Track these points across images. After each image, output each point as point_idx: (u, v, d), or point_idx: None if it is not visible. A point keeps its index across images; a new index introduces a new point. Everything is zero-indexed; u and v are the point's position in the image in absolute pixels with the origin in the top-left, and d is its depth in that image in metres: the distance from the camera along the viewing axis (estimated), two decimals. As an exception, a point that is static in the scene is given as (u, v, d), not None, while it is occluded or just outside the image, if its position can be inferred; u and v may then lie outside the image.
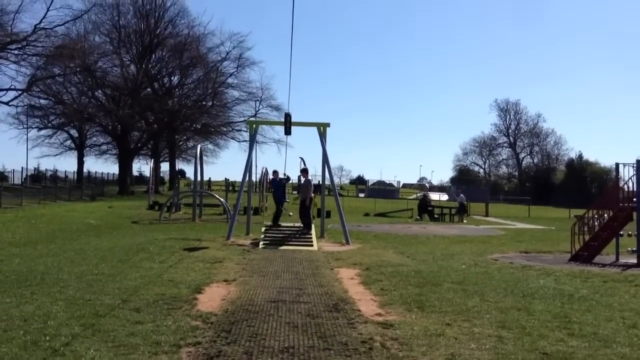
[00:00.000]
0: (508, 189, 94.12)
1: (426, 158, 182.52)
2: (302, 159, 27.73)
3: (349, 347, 5.64)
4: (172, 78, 59.15)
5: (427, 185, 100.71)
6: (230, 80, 58.80)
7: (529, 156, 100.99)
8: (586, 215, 15.10)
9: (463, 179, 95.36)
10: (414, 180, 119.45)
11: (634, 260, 13.63)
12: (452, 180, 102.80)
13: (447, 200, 62.16)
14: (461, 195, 37.02)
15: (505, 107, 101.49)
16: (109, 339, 5.66)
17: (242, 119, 59.04)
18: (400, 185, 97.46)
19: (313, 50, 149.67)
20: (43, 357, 5.01)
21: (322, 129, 18.81)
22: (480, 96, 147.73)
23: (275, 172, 20.29)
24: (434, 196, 59.89)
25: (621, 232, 14.48)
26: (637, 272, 12.01)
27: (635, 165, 13.87)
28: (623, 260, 14.04)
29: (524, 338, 6.32)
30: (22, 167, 51.41)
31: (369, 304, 7.97)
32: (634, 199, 13.76)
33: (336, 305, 7.72)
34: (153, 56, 55.78)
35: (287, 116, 18.58)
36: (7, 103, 39.71)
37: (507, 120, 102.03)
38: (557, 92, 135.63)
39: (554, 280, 10.70)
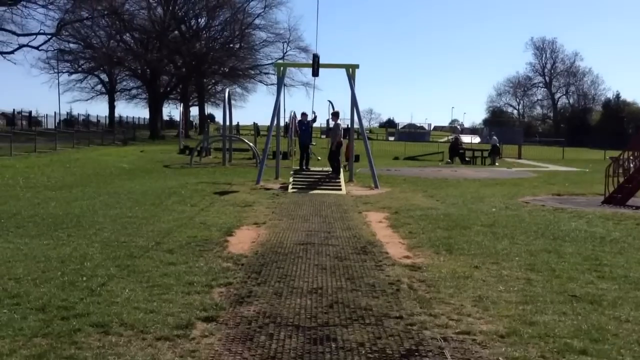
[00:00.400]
0: (542, 131, 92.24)
1: (458, 100, 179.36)
2: (330, 102, 27.49)
3: (376, 289, 5.71)
4: (199, 20, 58.57)
5: (459, 127, 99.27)
6: (257, 21, 57.98)
7: (564, 96, 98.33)
8: (621, 157, 14.72)
9: (496, 120, 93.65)
10: (445, 122, 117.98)
11: (670, 203, 13.32)
12: (485, 122, 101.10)
13: (479, 143, 61.26)
14: (494, 137, 36.31)
15: (542, 46, 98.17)
16: (144, 280, 5.84)
17: (270, 61, 58.51)
18: (432, 128, 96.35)
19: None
20: (80, 297, 5.20)
21: (350, 70, 18.50)
22: (516, 35, 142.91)
23: (303, 114, 19.06)
24: (466, 139, 59.05)
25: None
26: (673, 215, 11.75)
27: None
28: (658, 203, 13.73)
29: (552, 280, 6.31)
30: (54, 112, 52.38)
31: (396, 246, 8.02)
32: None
33: (364, 248, 7.78)
34: (180, -2, 55.07)
35: (315, 57, 18.30)
36: (37, 47, 40.06)
37: (543, 59, 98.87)
38: (595, 29, 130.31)
39: (585, 223, 10.56)
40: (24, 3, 34.84)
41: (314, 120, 19.37)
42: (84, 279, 5.83)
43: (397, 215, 11.09)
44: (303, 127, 18.78)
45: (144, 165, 24.17)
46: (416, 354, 4.07)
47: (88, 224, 9.19)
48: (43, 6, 36.51)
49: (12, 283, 5.63)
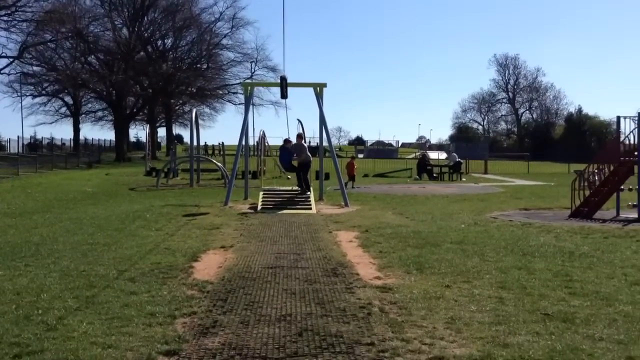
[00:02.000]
0: (507, 146, 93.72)
1: (425, 116, 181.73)
2: (299, 121, 27.44)
3: (347, 313, 5.54)
4: (166, 41, 58.23)
5: (426, 144, 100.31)
6: (224, 41, 57.93)
7: (528, 111, 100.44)
8: (586, 171, 14.93)
9: (462, 136, 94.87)
10: (413, 139, 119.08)
11: (635, 215, 13.52)
12: (451, 138, 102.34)
13: (446, 159, 61.87)
14: (453, 154, 36.81)
15: (504, 62, 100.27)
16: (103, 312, 5.56)
17: (238, 81, 58.30)
18: (399, 145, 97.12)
19: (307, 6, 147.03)
20: (35, 332, 4.90)
21: (318, 89, 18.46)
22: (479, 52, 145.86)
23: (299, 136, 18.73)
24: (433, 155, 59.61)
25: (622, 187, 14.31)
26: (638, 227, 11.92)
27: (636, 118, 13.63)
28: (624, 215, 13.94)
29: (524, 298, 6.24)
30: (17, 136, 51.07)
31: (367, 267, 7.88)
32: (635, 153, 13.56)
33: (334, 269, 7.62)
34: (145, 18, 54.69)
35: (283, 79, 18.22)
36: (-1, 71, 39.10)
37: (506, 75, 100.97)
38: (557, 45, 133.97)
39: (554, 238, 10.61)
40: (-15, 26, 34.12)
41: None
42: (40, 312, 5.53)
43: (367, 233, 10.97)
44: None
45: (108, 188, 23.62)
46: (388, 383, 3.90)
47: (47, 253, 8.82)
48: (5, 29, 35.84)
49: (-38, 318, 5.30)
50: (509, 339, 4.83)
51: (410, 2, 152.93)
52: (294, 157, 17.72)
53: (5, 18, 35.12)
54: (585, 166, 15.57)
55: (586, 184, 14.50)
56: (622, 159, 13.79)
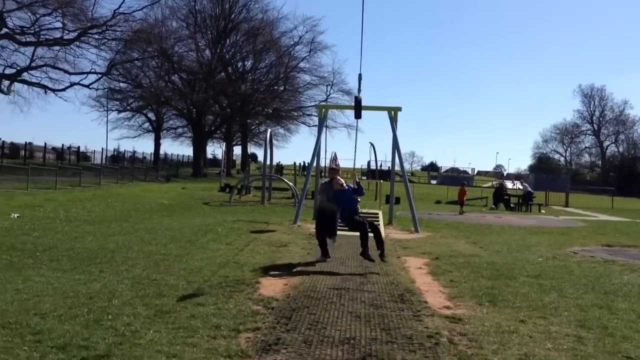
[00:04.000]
0: (590, 179, 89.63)
1: (504, 145, 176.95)
2: (372, 144, 27.33)
3: (413, 342, 5.32)
4: (246, 62, 59.98)
5: (503, 172, 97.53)
6: (302, 64, 58.93)
7: (613, 145, 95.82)
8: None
9: (542, 167, 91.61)
10: (489, 167, 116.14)
11: None
12: (531, 168, 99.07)
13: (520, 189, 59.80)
14: (525, 184, 35.83)
15: (590, 93, 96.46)
16: (170, 321, 5.61)
17: (313, 103, 59.07)
18: (475, 173, 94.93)
19: (385, 33, 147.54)
20: (103, 337, 5.00)
21: (393, 113, 18.33)
22: (563, 82, 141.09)
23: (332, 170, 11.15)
24: (509, 184, 57.81)
25: None
26: None
27: None
28: None
29: (605, 339, 5.79)
30: (102, 148, 53.88)
31: (436, 295, 7.59)
32: None
33: (402, 295, 7.39)
34: (227, 41, 56.64)
35: (357, 100, 18.21)
36: (88, 86, 41.51)
37: (592, 106, 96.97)
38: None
39: (639, 277, 9.89)
40: (77, 43, 36.37)
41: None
42: (110, 317, 5.65)
43: (437, 261, 10.64)
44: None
45: (184, 201, 24.32)
46: (455, 418, 3.67)
47: (121, 260, 9.10)
48: (95, 46, 38.07)
49: (37, 319, 5.49)
50: (589, 383, 4.46)
51: (495, 31, 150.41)
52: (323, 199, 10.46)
53: (96, 36, 37.33)
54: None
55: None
56: None
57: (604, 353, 5.32)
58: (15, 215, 14.97)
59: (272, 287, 7.53)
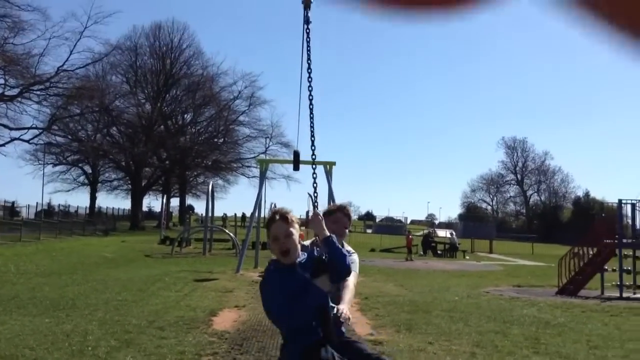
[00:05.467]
0: (516, 226, 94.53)
1: (434, 195, 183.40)
2: (310, 195, 28.85)
3: (341, 358, 6.71)
4: (185, 116, 61.14)
5: (434, 221, 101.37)
6: (241, 118, 60.69)
7: (536, 194, 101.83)
8: (573, 252, 16.09)
9: (470, 215, 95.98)
10: (422, 216, 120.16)
11: (617, 294, 14.55)
12: (460, 216, 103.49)
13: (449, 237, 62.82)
14: (453, 235, 39.32)
15: (513, 145, 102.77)
16: (141, 349, 6.77)
17: (252, 155, 60.62)
18: (409, 222, 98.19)
19: (321, 87, 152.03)
20: (89, 361, 6.12)
21: (328, 167, 20.02)
22: (488, 133, 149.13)
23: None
24: (441, 232, 60.71)
25: (605, 267, 15.39)
26: (616, 304, 12.96)
27: (617, 204, 14.94)
28: (608, 294, 14.95)
29: (494, 354, 7.35)
30: (36, 202, 53.04)
31: (363, 326, 9.02)
32: (616, 236, 14.77)
33: (334, 327, 8.77)
34: (167, 95, 57.86)
35: (296, 154, 19.81)
36: (28, 141, 41.65)
37: (515, 157, 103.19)
38: (564, 130, 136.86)
39: (536, 310, 11.67)
40: (20, 99, 36.81)
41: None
42: (90, 348, 6.74)
43: (366, 300, 12.09)
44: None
45: (126, 254, 24.90)
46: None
47: (83, 306, 10.05)
48: (37, 102, 38.55)
49: (27, 351, 6.53)
50: (471, 380, 5.96)
51: (424, 83, 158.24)
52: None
53: (38, 93, 37.87)
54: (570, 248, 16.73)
55: (573, 263, 15.61)
56: (605, 241, 14.98)
57: (489, 363, 6.87)
58: (-34, 269, 15.42)
59: (223, 323, 8.75)
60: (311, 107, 3.91)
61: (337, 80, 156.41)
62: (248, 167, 61.69)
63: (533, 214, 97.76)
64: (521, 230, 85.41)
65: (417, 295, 13.34)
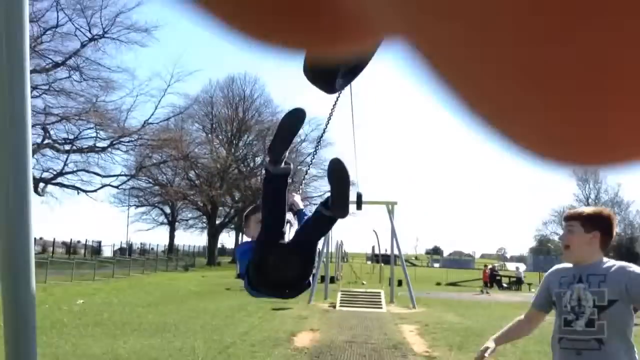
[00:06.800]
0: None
1: (505, 229, 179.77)
2: (375, 231, 30.42)
3: (399, 366, 8.32)
4: (257, 159, 64.64)
5: (506, 255, 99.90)
6: (308, 159, 63.44)
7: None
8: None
9: (542, 248, 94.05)
10: (492, 250, 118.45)
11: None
12: (532, 250, 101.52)
13: (524, 271, 62.32)
14: (519, 269, 39.72)
15: (584, 177, 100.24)
16: (239, 359, 8.60)
17: (318, 194, 63.19)
18: (479, 256, 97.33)
19: (379, 127, 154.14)
20: (203, 365, 8.00)
21: (390, 206, 21.66)
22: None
23: None
24: (511, 266, 60.54)
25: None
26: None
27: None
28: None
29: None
30: (120, 242, 57.52)
31: (420, 345, 10.54)
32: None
33: (395, 345, 10.35)
34: (240, 141, 61.77)
35: (359, 195, 21.63)
36: (117, 187, 45.93)
37: (587, 189, 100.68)
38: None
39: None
40: (111, 150, 40.87)
41: None
42: (200, 358, 8.64)
43: (426, 327, 13.54)
44: None
45: (208, 288, 27.20)
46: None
47: (184, 329, 12.06)
48: (125, 152, 42.64)
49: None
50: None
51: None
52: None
53: (126, 144, 41.97)
54: None
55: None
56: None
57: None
58: (80, 302, 17.96)
59: (302, 341, 10.50)
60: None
61: (402, 110, 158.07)
62: (315, 204, 63.98)
63: (608, 246, 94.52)
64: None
65: (473, 323, 14.62)
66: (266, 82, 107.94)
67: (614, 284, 2.90)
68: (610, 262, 3.05)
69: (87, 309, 16.29)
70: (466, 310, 18.64)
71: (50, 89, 36.47)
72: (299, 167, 62.97)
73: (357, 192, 22.58)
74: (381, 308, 17.83)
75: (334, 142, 69.14)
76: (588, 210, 3.32)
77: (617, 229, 3.27)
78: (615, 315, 2.87)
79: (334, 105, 4.42)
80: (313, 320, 14.17)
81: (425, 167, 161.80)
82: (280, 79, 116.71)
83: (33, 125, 32.98)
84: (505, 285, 34.57)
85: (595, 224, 3.17)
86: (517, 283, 34.90)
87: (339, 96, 4.17)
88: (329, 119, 4.41)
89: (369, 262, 48.65)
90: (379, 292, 20.17)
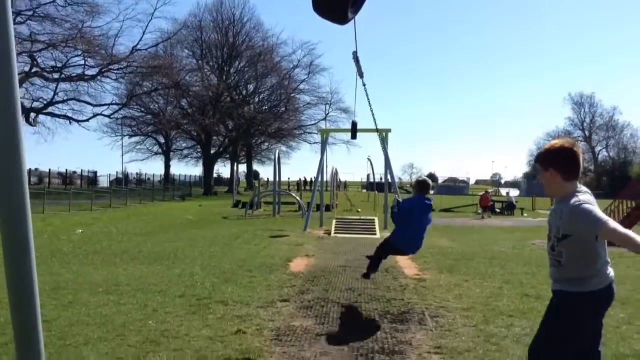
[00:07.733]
0: (584, 183, 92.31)
1: (499, 154, 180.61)
2: (369, 159, 30.65)
3: (390, 288, 8.62)
4: (249, 86, 63.79)
5: (500, 181, 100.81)
6: (301, 86, 62.73)
7: (604, 150, 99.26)
8: (613, 205, 17.22)
9: (535, 174, 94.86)
10: (486, 176, 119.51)
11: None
12: (526, 175, 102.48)
13: (517, 196, 63.16)
14: (509, 194, 40.03)
15: (580, 100, 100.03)
16: (237, 284, 8.88)
17: (313, 122, 63.01)
18: (473, 182, 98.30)
19: (378, 48, 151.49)
20: (204, 294, 8.26)
21: (384, 134, 21.65)
22: (554, 90, 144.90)
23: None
24: (504, 191, 61.36)
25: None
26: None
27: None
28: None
29: (517, 288, 9.01)
30: (116, 172, 57.71)
31: (411, 269, 10.87)
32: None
33: (387, 269, 10.65)
34: (231, 68, 60.52)
35: (354, 124, 21.57)
36: (109, 116, 45.47)
37: (582, 113, 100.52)
38: (633, 83, 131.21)
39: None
40: (99, 78, 40.19)
41: None
42: (199, 283, 8.91)
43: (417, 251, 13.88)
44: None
45: (205, 217, 27.63)
46: (407, 314, 6.96)
47: (183, 257, 12.35)
48: (114, 80, 41.93)
49: (153, 286, 8.74)
50: (491, 302, 7.72)
51: (489, 39, 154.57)
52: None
53: (116, 71, 41.15)
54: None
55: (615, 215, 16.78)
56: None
57: (511, 292, 8.56)
58: (79, 231, 18.27)
59: (297, 267, 10.81)
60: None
61: (397, 38, 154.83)
62: (309, 133, 63.97)
63: (602, 170, 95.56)
64: (589, 187, 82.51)
65: (465, 247, 15.01)
66: (256, 4, 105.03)
67: (566, 222, 3.27)
68: (575, 198, 3.26)
69: (86, 238, 16.60)
70: (458, 236, 19.08)
71: (35, 14, 35.48)
72: (291, 95, 62.60)
73: (352, 121, 22.55)
74: (375, 234, 18.21)
75: (329, 67, 68.20)
76: (541, 150, 3.66)
77: (582, 158, 3.51)
78: (570, 247, 3.32)
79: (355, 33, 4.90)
80: (308, 247, 14.51)
81: (419, 88, 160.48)
82: (270, 1, 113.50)
83: (19, 53, 32.43)
84: (497, 210, 35.16)
85: (546, 161, 3.50)
86: (509, 208, 35.48)
87: (355, 24, 4.31)
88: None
89: (364, 190, 49.24)
90: (373, 219, 20.55)
